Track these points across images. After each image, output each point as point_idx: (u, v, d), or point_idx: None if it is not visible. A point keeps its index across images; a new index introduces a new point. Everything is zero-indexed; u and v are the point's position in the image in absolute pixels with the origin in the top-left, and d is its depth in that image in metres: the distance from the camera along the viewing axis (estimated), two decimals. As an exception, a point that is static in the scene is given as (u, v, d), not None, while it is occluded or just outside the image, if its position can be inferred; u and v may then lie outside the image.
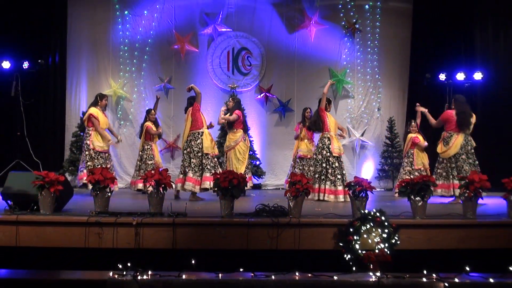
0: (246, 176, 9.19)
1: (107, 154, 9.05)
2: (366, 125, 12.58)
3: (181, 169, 8.62)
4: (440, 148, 8.40)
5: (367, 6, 12.57)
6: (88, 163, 8.77)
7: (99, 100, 9.14)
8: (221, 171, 6.16)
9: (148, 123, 10.05)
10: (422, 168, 9.43)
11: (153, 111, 10.22)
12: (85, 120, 9.04)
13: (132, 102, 12.37)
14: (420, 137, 9.69)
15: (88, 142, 8.88)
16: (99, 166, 8.71)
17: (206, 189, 8.35)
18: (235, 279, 4.62)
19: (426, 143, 9.61)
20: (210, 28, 12.41)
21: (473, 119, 8.44)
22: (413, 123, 9.86)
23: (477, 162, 8.26)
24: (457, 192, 7.96)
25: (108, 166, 8.88)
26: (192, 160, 8.39)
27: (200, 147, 8.46)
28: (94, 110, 8.98)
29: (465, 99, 8.61)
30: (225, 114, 9.41)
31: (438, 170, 8.44)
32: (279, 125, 12.50)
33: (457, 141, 8.24)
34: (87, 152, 8.87)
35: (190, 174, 8.34)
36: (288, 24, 12.58)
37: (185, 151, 8.56)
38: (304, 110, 10.39)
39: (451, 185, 8.17)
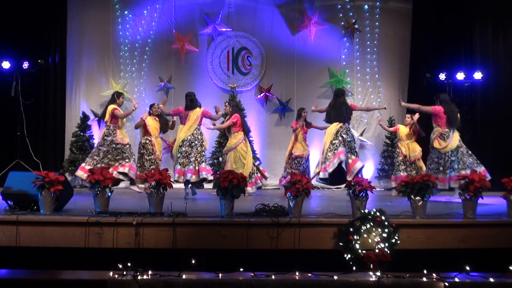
0: (251, 179, 9.43)
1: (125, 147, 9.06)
2: (365, 124, 12.58)
3: (186, 160, 8.93)
4: (438, 143, 8.43)
5: (366, 7, 12.58)
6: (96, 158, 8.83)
7: (116, 98, 9.12)
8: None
9: (146, 117, 9.93)
10: (410, 155, 9.81)
11: (156, 104, 10.10)
12: (109, 117, 8.95)
13: (132, 103, 12.34)
14: (402, 128, 10.06)
15: (112, 138, 8.90)
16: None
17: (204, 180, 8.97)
18: (235, 279, 4.63)
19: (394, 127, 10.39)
20: (210, 28, 12.40)
21: (458, 114, 8.67)
22: (407, 116, 10.12)
23: (470, 152, 8.54)
24: (453, 184, 8.08)
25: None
26: (198, 153, 8.96)
27: (202, 143, 9.07)
28: (114, 106, 9.02)
29: (448, 97, 8.86)
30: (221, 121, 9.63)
31: (432, 166, 8.49)
32: (279, 125, 12.50)
33: (456, 135, 8.45)
34: (114, 146, 8.87)
35: (203, 165, 8.95)
36: (288, 24, 12.57)
37: (193, 144, 8.99)
38: (301, 110, 10.36)
39: (447, 179, 8.24)
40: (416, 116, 9.57)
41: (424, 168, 9.30)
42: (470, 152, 8.51)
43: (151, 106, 10.15)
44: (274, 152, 12.31)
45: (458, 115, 8.60)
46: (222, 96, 12.34)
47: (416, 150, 9.85)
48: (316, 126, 10.46)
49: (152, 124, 9.88)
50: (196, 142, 9.01)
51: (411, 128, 9.85)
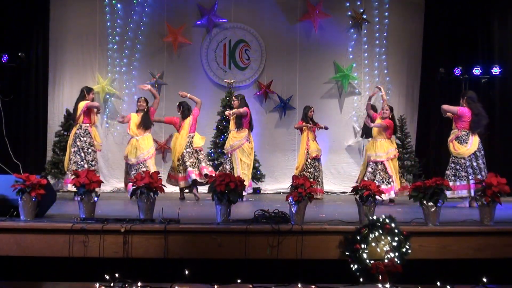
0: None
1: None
2: (373, 124, 12.57)
3: (181, 168, 9.65)
4: (455, 147, 8.43)
5: (375, -5, 12.59)
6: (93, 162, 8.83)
7: (86, 94, 9.09)
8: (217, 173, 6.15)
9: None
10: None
11: (143, 98, 9.71)
12: (80, 116, 8.89)
13: (121, 100, 12.37)
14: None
15: (87, 139, 8.88)
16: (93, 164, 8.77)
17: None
18: (232, 291, 4.63)
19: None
20: (204, 19, 12.41)
21: (486, 121, 8.61)
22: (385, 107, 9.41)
23: (485, 161, 8.53)
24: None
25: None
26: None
27: (193, 145, 9.67)
28: (86, 103, 8.95)
29: (476, 97, 8.70)
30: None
31: (448, 172, 8.49)
32: (280, 125, 12.50)
33: (475, 139, 8.41)
34: (90, 150, 8.86)
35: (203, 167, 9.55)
36: (290, 14, 12.57)
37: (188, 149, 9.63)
38: (307, 108, 10.37)
39: (468, 186, 8.25)
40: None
41: (393, 171, 9.00)
42: (484, 160, 8.49)
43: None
44: (274, 153, 12.31)
45: (486, 120, 8.53)
46: (218, 92, 12.34)
47: (383, 149, 9.13)
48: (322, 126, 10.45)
49: (133, 120, 9.46)
50: (191, 149, 9.66)
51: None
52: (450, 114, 8.68)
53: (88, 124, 8.95)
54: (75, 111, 9.04)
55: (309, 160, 10.16)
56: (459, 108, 8.52)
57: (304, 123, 10.25)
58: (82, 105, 8.89)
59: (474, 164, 8.31)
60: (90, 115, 9.00)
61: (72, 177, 8.59)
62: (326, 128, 10.56)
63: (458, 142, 8.43)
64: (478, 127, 8.45)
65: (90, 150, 8.87)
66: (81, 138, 8.86)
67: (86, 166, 8.66)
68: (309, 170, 10.07)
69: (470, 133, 8.41)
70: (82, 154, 8.80)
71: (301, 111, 10.74)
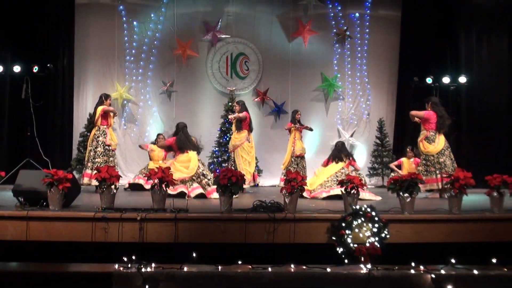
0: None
1: (113, 152, 9.01)
2: (355, 126, 12.57)
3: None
4: (423, 146, 8.42)
5: (357, 14, 12.57)
6: (97, 160, 8.69)
7: (104, 99, 9.02)
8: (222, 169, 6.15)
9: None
10: None
11: (162, 136, 10.40)
12: (98, 118, 8.77)
13: (137, 105, 12.35)
14: (405, 161, 10.44)
15: (102, 139, 8.78)
16: (108, 162, 8.64)
17: None
18: (233, 271, 4.62)
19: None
20: (210, 35, 12.39)
21: (449, 121, 8.58)
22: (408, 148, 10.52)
23: (453, 157, 8.47)
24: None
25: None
26: None
27: None
28: (103, 107, 8.88)
29: (439, 101, 8.72)
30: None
31: (420, 168, 8.48)
32: (275, 126, 12.49)
33: (441, 138, 8.38)
34: (98, 149, 8.76)
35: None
36: (284, 31, 12.57)
37: None
38: (295, 112, 10.37)
39: (437, 180, 8.24)
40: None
41: None
42: (452, 156, 8.45)
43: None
44: (270, 152, 12.27)
45: (449, 121, 8.50)
46: (221, 99, 12.33)
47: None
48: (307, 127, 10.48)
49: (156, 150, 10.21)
50: None
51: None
52: (417, 119, 8.70)
53: (105, 126, 8.88)
54: (94, 115, 9.01)
55: (294, 158, 10.17)
56: (425, 112, 8.53)
57: (292, 125, 10.26)
58: (99, 109, 8.84)
59: (441, 160, 8.29)
60: (107, 118, 8.93)
61: (90, 172, 8.67)
62: (310, 129, 10.64)
63: (427, 142, 8.41)
64: (443, 127, 8.45)
65: (105, 149, 8.80)
66: (98, 139, 8.80)
67: (101, 162, 8.61)
68: (293, 166, 10.07)
69: (437, 133, 8.41)
70: (99, 152, 8.74)
71: (292, 115, 10.75)
